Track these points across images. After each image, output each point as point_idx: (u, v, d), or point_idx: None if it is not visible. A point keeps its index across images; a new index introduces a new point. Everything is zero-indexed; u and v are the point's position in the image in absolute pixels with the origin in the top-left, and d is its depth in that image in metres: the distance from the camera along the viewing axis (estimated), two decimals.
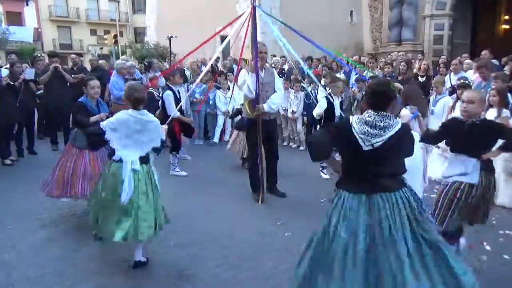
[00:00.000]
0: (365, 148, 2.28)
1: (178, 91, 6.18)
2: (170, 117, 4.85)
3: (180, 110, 5.78)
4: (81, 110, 4.16)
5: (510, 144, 3.16)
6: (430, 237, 2.24)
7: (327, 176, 5.98)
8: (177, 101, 5.90)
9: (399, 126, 2.32)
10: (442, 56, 9.55)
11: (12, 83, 6.48)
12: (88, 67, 10.04)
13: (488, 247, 3.71)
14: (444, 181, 3.41)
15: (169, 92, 6.03)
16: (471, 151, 3.15)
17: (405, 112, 3.86)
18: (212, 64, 10.47)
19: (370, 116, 2.33)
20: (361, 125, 2.31)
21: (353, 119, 2.38)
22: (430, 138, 3.49)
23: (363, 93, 2.61)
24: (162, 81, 8.18)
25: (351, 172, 2.43)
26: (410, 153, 2.46)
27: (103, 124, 3.09)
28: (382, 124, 2.29)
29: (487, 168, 3.19)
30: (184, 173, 6.16)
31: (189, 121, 6.20)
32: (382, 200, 2.26)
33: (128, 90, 3.18)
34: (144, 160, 3.16)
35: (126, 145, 3.10)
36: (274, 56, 11.05)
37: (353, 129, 2.32)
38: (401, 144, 2.35)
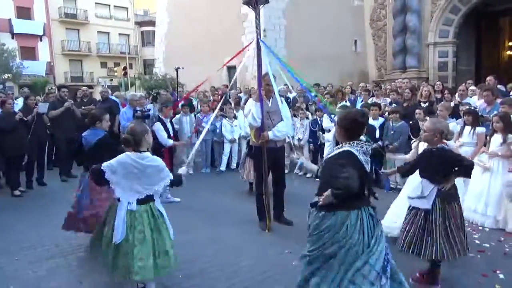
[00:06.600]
0: (368, 171, 2.67)
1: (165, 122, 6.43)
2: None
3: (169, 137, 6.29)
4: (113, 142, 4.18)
5: (460, 173, 3.34)
6: None
7: None
8: (166, 130, 6.28)
9: None
10: (436, 83, 9.45)
11: (25, 118, 6.62)
12: (98, 98, 10.22)
13: (501, 276, 3.60)
14: (409, 201, 3.52)
15: (159, 125, 6.22)
16: (430, 177, 3.33)
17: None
18: (222, 94, 10.68)
19: (363, 147, 2.67)
20: (360, 154, 2.63)
21: (353, 150, 2.64)
22: (406, 172, 3.67)
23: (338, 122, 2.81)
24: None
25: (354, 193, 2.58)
26: None
27: (104, 165, 3.01)
28: (370, 151, 2.69)
29: (443, 196, 3.28)
30: (177, 199, 6.08)
31: (181, 144, 6.43)
32: (370, 212, 2.68)
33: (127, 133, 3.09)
34: (143, 200, 3.04)
35: (124, 187, 3.02)
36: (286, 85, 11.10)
37: (358, 158, 2.62)
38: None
